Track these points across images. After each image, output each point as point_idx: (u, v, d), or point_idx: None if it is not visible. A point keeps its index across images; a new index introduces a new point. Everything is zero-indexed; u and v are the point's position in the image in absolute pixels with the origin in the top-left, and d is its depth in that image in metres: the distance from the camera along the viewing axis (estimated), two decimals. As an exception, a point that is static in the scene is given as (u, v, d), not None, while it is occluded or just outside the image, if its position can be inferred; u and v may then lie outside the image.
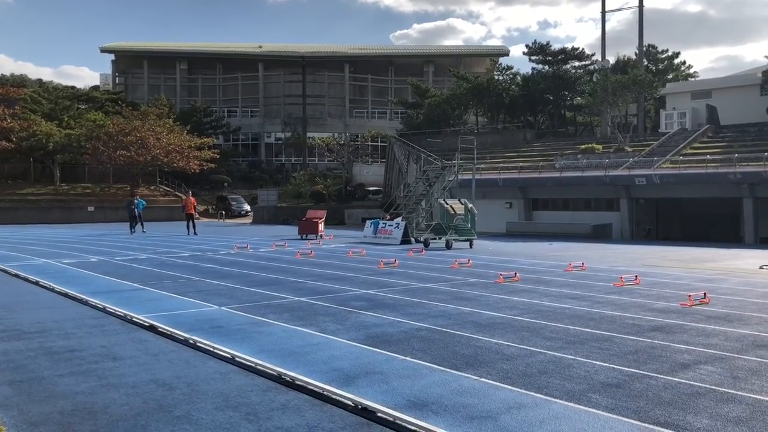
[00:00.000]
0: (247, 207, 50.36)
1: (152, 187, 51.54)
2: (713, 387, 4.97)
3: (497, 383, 5.06)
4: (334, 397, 4.72)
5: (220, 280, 11.73)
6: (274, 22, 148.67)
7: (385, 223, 23.75)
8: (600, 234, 31.43)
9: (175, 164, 47.72)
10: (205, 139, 51.55)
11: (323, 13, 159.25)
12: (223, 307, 8.71)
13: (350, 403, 4.58)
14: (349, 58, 68.74)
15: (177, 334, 6.91)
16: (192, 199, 29.63)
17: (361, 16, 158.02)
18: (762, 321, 7.78)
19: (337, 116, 67.23)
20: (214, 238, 25.47)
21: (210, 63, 69.57)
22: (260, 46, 72.21)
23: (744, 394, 4.79)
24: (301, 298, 9.50)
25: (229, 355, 5.95)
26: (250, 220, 45.76)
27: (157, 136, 47.13)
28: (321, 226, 26.03)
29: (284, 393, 4.89)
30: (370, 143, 57.93)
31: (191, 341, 6.58)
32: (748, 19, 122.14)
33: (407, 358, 5.85)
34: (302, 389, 4.94)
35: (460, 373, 5.37)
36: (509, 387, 4.97)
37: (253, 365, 5.58)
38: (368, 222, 24.87)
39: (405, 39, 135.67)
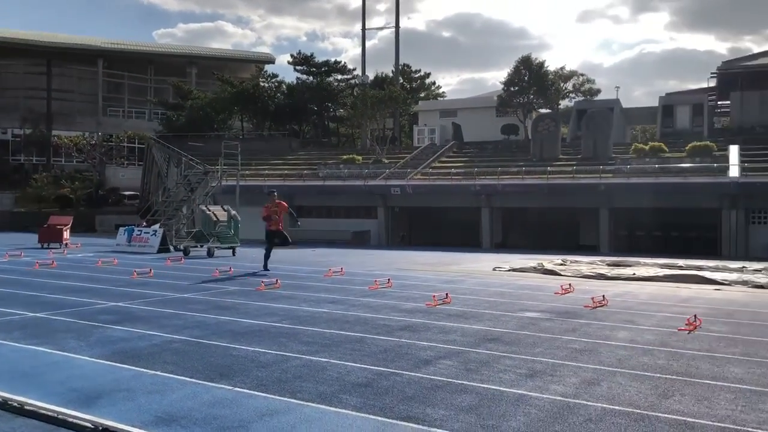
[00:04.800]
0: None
1: None
2: (450, 380, 5.44)
3: (251, 391, 5.02)
4: (70, 420, 4.30)
5: (-65, 296, 10.11)
6: (20, 6, 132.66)
7: (141, 230, 22.38)
8: (360, 240, 32.86)
9: None
10: None
11: (78, 4, 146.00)
12: (-64, 328, 7.50)
13: (89, 425, 4.21)
14: (103, 53, 63.69)
15: None
16: None
17: (122, 12, 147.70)
18: (493, 317, 8.72)
19: (89, 114, 61.86)
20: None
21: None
22: (-6, 31, 63.87)
23: (475, 384, 5.31)
24: (38, 314, 8.54)
25: (-60, 383, 5.13)
26: (-20, 227, 40.11)
27: None
28: (66, 234, 23.75)
29: (9, 420, 4.34)
30: (126, 144, 54.33)
31: None
32: (491, 48, 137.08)
33: (158, 373, 5.55)
34: (33, 414, 4.43)
35: (213, 384, 5.23)
36: (263, 394, 4.95)
37: (-28, 393, 4.88)
38: (122, 229, 23.23)
39: (169, 38, 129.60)
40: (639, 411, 4.64)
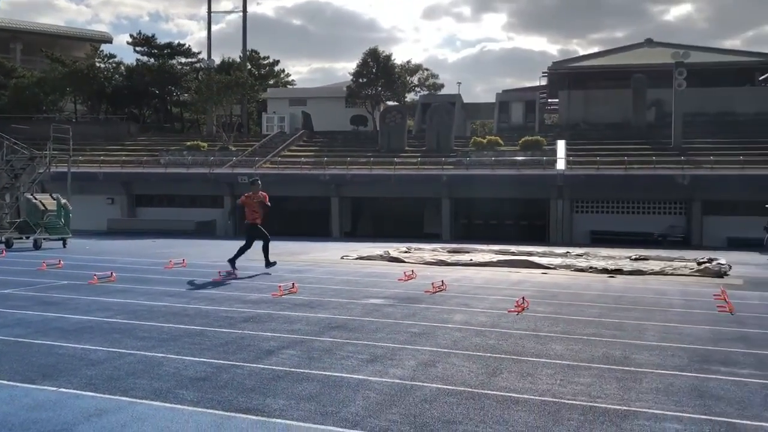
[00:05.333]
0: None
1: None
2: (292, 369, 5.43)
3: (79, 391, 4.70)
4: None
5: None
6: None
7: (-46, 221, 20.15)
8: (204, 230, 31.87)
9: None
10: None
11: None
12: None
13: None
14: None
15: None
16: None
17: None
18: (338, 305, 8.82)
19: None
20: None
21: None
22: None
23: (317, 372, 5.35)
24: None
25: None
26: None
27: None
28: None
29: None
30: (-64, 125, 48.46)
31: None
32: (341, 39, 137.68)
33: (-32, 377, 5.04)
34: None
35: (34, 386, 4.84)
36: (92, 394, 4.66)
37: None
38: (-70, 219, 20.74)
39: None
40: (470, 389, 4.91)
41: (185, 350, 6.05)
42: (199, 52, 53.09)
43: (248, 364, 5.56)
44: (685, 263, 15.32)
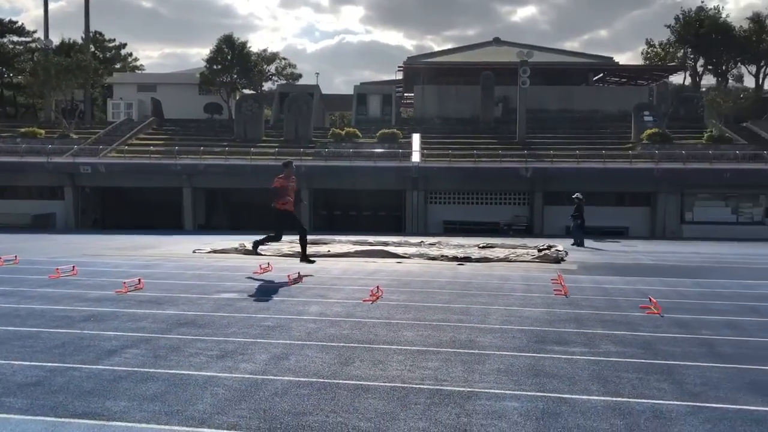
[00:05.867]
0: None
1: None
2: (135, 369, 5.16)
3: None
4: None
5: None
6: None
7: None
8: (42, 224, 29.59)
9: None
10: None
11: None
12: None
13: None
14: None
15: None
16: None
17: None
18: (187, 301, 8.50)
19: None
20: None
21: None
22: None
23: (162, 371, 5.12)
24: None
25: None
26: None
27: None
28: None
29: None
30: None
31: None
32: (195, 24, 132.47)
33: None
34: None
35: None
36: None
37: None
38: None
39: None
40: (322, 380, 4.92)
41: (14, 354, 5.56)
42: (35, 31, 49.05)
43: (87, 366, 5.21)
44: (527, 250, 16.35)
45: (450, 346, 6.05)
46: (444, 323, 7.14)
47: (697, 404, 4.42)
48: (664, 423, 4.04)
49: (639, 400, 4.49)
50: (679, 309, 8.24)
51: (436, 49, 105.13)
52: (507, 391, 4.67)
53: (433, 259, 14.57)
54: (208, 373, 5.06)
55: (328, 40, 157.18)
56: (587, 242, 21.79)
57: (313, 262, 12.59)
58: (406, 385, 4.80)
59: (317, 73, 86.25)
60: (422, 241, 19.27)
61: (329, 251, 15.83)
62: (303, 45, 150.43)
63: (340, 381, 4.90)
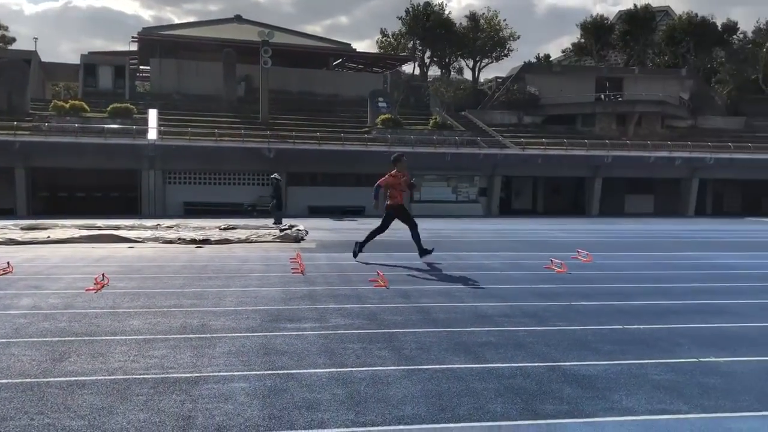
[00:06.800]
0: None
1: None
2: None
3: None
4: None
5: None
6: None
7: None
8: None
9: None
10: None
11: None
12: None
13: None
14: None
15: None
16: None
17: None
18: None
19: None
20: None
21: None
22: None
23: None
24: None
25: None
26: None
27: None
28: None
29: None
30: None
31: None
32: None
33: None
34: None
35: None
36: None
37: None
38: None
39: None
40: (29, 380, 4.42)
41: None
42: None
43: None
44: (268, 231, 16.47)
45: (180, 333, 5.84)
46: (176, 309, 6.87)
47: (411, 367, 4.82)
48: (381, 388, 4.34)
49: (361, 369, 4.76)
50: (403, 281, 8.94)
51: (177, 21, 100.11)
52: (236, 373, 4.64)
53: (170, 242, 13.96)
54: None
55: (50, 2, 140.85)
56: (326, 222, 22.63)
57: (431, 251, 11.28)
58: (128, 377, 4.52)
59: (35, 38, 76.62)
60: (159, 224, 18.35)
61: (49, 237, 14.31)
62: (19, 5, 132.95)
63: (51, 379, 4.45)
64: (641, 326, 6.27)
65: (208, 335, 5.75)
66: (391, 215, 11.22)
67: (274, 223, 20.78)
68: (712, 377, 4.63)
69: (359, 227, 21.12)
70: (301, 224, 18.04)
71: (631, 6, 54.85)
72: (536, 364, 4.91)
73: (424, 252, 11.10)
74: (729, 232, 21.10)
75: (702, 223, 27.20)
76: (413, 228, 11.16)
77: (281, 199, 22.01)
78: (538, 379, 4.54)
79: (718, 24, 52.73)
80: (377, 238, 11.61)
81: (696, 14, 52.55)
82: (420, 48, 53.77)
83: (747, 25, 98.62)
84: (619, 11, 60.51)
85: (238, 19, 49.47)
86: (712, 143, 38.90)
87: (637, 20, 52.86)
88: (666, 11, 61.17)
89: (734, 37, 53.72)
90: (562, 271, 9.95)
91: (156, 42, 43.42)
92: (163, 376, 4.56)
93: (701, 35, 51.32)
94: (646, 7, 53.87)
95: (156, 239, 14.26)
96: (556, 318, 6.59)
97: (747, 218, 33.67)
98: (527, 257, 12.28)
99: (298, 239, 14.82)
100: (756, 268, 11.07)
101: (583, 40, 55.87)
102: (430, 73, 54.61)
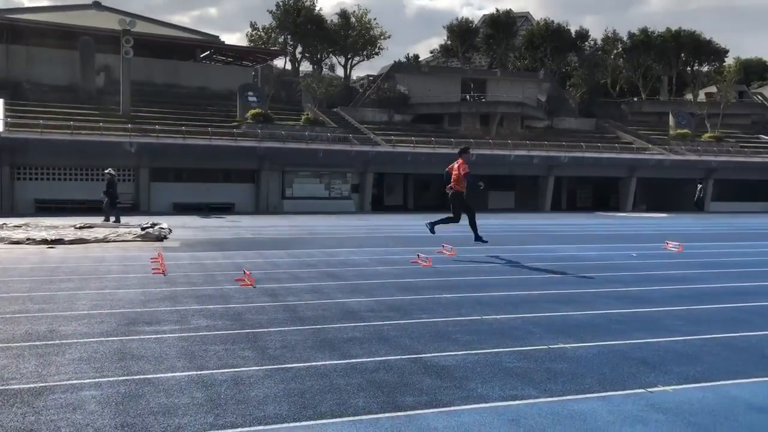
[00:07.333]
0: None
1: None
2: None
3: None
4: None
5: None
6: None
7: None
8: None
9: None
10: None
11: None
12: None
13: None
14: None
15: None
16: None
17: None
18: None
19: None
20: None
21: None
22: None
23: None
24: None
25: None
26: None
27: None
28: None
29: None
30: None
31: None
32: None
33: None
34: None
35: None
36: None
37: None
38: None
39: None
40: None
41: None
42: None
43: None
44: (129, 229, 15.67)
45: (25, 340, 5.42)
46: (21, 315, 6.37)
47: (275, 367, 4.77)
48: (243, 389, 4.25)
49: (222, 370, 4.65)
50: (271, 279, 8.83)
51: (27, 5, 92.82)
52: (87, 381, 4.37)
53: (17, 243, 12.93)
54: None
55: None
56: (192, 220, 21.90)
57: (486, 241, 12.48)
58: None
59: None
60: (5, 224, 16.94)
61: None
62: None
63: None
64: (498, 316, 6.58)
65: (57, 341, 5.38)
66: (463, 201, 12.02)
67: (105, 220, 19.85)
68: (560, 363, 4.95)
69: (226, 224, 20.62)
70: (165, 222, 17.33)
71: (494, 10, 57.52)
72: (399, 357, 5.02)
73: (479, 239, 12.28)
74: (580, 226, 22.70)
75: (557, 218, 29.09)
76: (453, 221, 12.27)
77: (116, 195, 20.81)
78: (400, 372, 4.64)
79: (572, 31, 56.53)
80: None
81: (553, 21, 56.04)
82: (291, 43, 53.31)
83: (597, 33, 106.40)
84: (484, 15, 63.25)
85: (96, 5, 46.59)
86: (567, 143, 41.62)
87: (499, 24, 55.46)
88: (526, 17, 64.73)
89: (586, 43, 57.80)
90: (428, 265, 10.25)
91: (3, 27, 39.99)
92: (3, 388, 4.20)
93: (557, 41, 54.77)
94: (508, 12, 56.66)
95: (1, 240, 13.15)
96: (420, 311, 6.78)
97: (597, 213, 36.39)
98: (396, 252, 12.53)
99: (160, 238, 14.22)
100: (601, 259, 11.98)
101: (449, 42, 57.84)
102: (301, 68, 54.33)
